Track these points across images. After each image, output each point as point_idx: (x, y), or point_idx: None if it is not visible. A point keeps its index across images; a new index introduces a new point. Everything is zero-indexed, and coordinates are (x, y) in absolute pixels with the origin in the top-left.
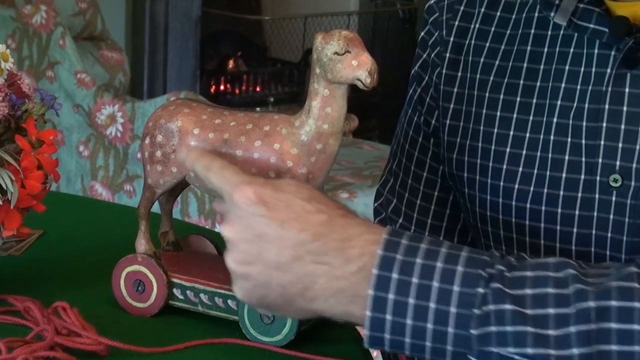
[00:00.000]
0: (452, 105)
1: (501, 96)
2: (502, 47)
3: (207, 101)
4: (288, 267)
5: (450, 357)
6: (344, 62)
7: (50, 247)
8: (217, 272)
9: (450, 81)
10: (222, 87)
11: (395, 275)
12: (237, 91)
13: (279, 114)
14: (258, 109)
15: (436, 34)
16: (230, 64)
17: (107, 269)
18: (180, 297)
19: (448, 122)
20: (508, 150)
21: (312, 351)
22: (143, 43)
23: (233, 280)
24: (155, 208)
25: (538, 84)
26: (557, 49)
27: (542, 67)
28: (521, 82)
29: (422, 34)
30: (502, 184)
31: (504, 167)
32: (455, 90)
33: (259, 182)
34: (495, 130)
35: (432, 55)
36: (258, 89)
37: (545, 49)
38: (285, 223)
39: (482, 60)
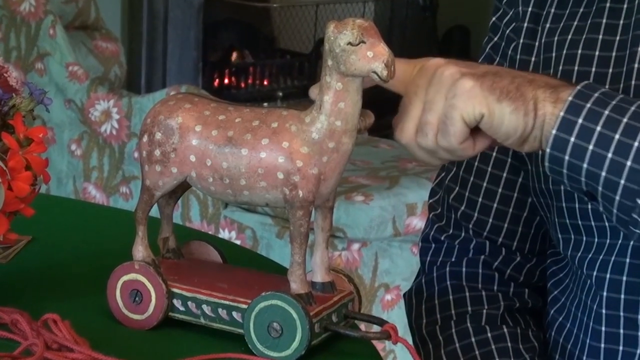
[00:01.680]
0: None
1: (579, 51)
2: (581, 9)
3: (210, 96)
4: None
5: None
6: (359, 54)
7: (39, 254)
8: (221, 282)
9: (527, 50)
10: (226, 81)
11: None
12: (242, 85)
13: (288, 109)
14: (265, 104)
15: (511, 12)
16: (235, 55)
17: (102, 278)
18: (181, 308)
19: None
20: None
21: None
22: (140, 33)
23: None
24: (154, 212)
25: (618, 37)
26: (637, 1)
27: (621, 22)
28: (600, 37)
29: (494, 19)
30: None
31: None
32: (533, 59)
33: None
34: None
35: (507, 31)
36: (265, 82)
37: (625, 5)
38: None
39: (560, 25)
